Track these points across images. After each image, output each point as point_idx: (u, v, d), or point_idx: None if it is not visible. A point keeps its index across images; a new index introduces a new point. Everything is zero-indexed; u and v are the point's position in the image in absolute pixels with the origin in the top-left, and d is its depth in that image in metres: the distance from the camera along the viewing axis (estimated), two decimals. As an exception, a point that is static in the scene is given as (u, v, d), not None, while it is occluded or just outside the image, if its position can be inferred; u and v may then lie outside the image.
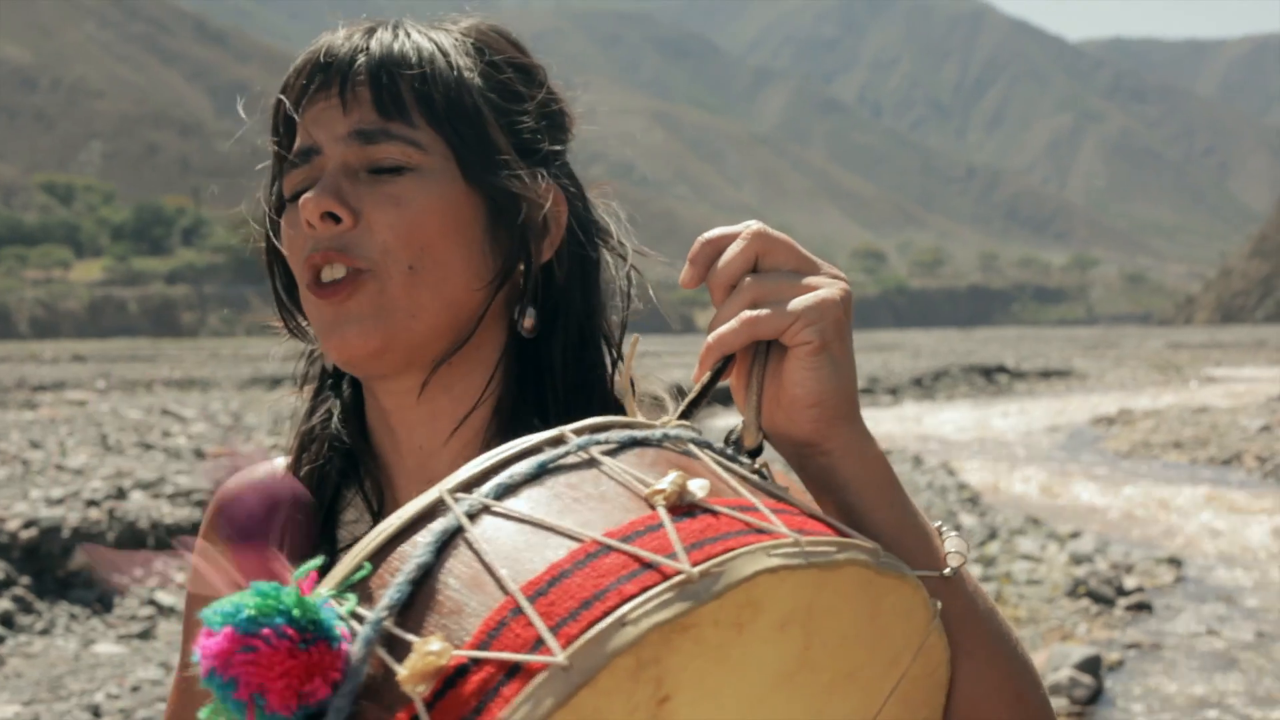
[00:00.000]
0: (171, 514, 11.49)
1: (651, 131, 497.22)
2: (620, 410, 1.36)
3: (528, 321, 1.35)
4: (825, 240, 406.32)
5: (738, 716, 0.83)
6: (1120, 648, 9.70)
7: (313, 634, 0.80)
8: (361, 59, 1.31)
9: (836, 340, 1.05)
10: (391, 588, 0.82)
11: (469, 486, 0.88)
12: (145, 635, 9.80)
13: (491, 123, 1.34)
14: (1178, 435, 24.75)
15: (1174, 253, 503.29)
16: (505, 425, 1.35)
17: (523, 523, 0.84)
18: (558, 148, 1.40)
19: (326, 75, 1.32)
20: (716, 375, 1.07)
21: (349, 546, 1.39)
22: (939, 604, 0.96)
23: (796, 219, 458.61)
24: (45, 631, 9.62)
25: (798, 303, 1.04)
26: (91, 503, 11.57)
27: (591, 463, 0.90)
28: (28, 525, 10.58)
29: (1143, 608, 10.94)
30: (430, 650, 0.76)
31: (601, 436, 0.93)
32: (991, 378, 45.39)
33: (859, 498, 1.07)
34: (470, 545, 0.83)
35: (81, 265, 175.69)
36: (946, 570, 1.08)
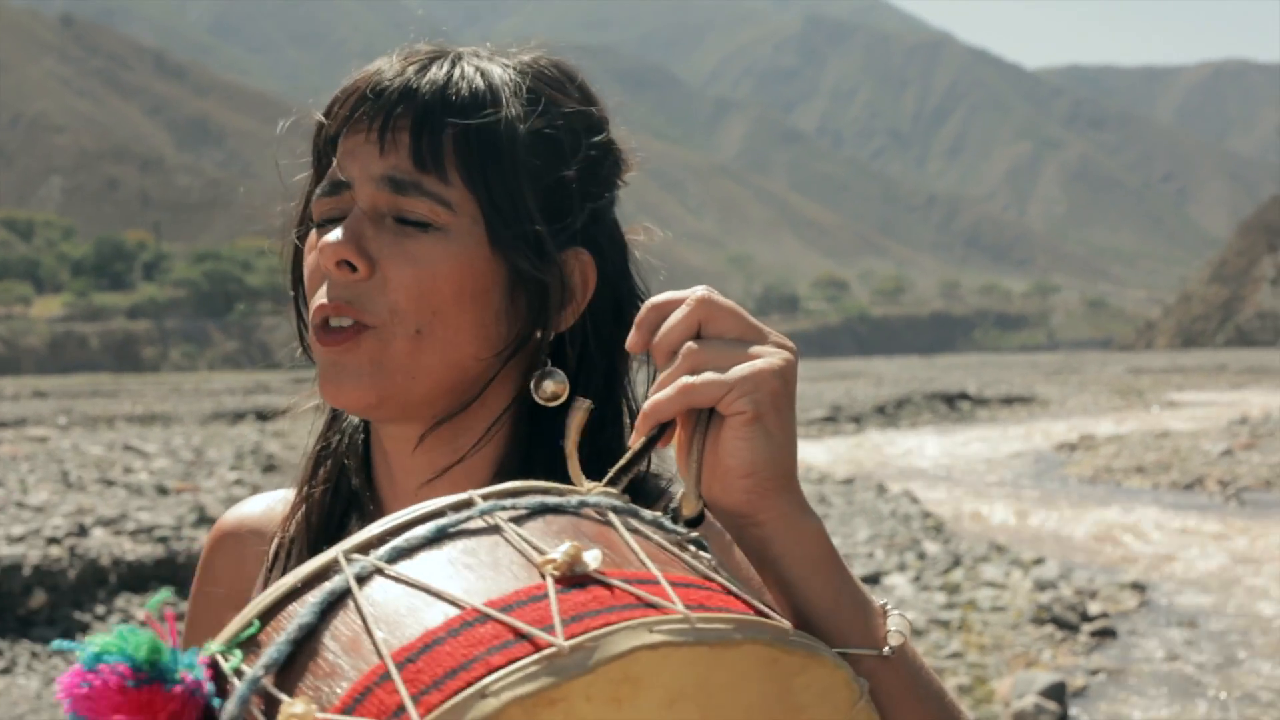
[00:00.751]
0: (134, 550, 11.46)
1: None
2: (646, 481, 1.34)
3: (556, 388, 1.32)
4: (787, 269, 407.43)
5: None
6: (1085, 674, 9.76)
7: (146, 674, 0.80)
8: (408, 99, 1.29)
9: (771, 411, 1.03)
10: (273, 646, 0.82)
11: (366, 548, 0.87)
12: None
13: (529, 186, 1.30)
14: (1140, 460, 24.93)
15: (1134, 278, 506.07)
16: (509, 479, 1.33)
17: (410, 586, 0.83)
18: (601, 202, 1.37)
19: (371, 109, 1.30)
20: (651, 442, 1.06)
21: None
22: (865, 683, 0.93)
23: (758, 248, 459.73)
24: (7, 670, 9.59)
25: (734, 371, 1.03)
26: (53, 540, 11.53)
27: (494, 529, 0.89)
28: None
29: (1107, 633, 11.05)
30: (294, 712, 0.76)
31: (509, 502, 0.92)
32: (954, 405, 45.54)
33: (793, 571, 1.05)
34: (356, 608, 0.82)
35: (42, 301, 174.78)
36: (885, 650, 1.05)
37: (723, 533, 1.13)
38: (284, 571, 1.40)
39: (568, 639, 0.77)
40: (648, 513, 0.97)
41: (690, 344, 1.05)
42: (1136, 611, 11.97)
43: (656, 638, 0.78)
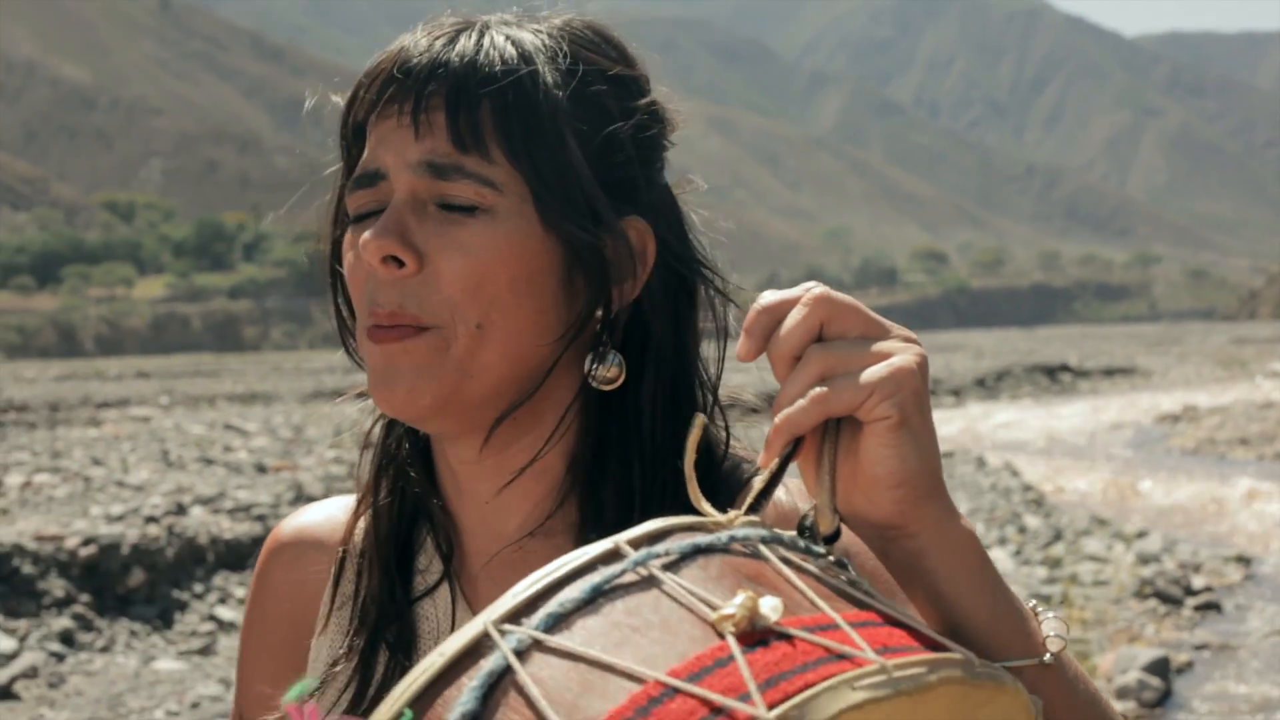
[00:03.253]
0: (231, 529, 11.53)
1: (708, 137, 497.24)
2: (720, 467, 1.28)
3: (608, 372, 1.24)
4: (884, 242, 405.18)
5: None
6: (1189, 649, 9.58)
7: None
8: (439, 77, 1.20)
9: (917, 413, 0.96)
10: None
11: (516, 617, 0.81)
12: (205, 651, 9.83)
13: (576, 155, 1.21)
14: (1244, 431, 24.54)
15: (1236, 247, 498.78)
16: (584, 482, 1.26)
17: (577, 660, 0.77)
18: (652, 167, 1.28)
19: (400, 91, 1.21)
20: (787, 460, 0.98)
21: (422, 597, 1.32)
22: (1040, 701, 0.89)
23: (855, 221, 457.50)
24: (105, 649, 9.66)
25: (871, 374, 0.95)
26: (151, 519, 11.61)
27: (650, 581, 0.82)
28: (87, 542, 10.60)
29: (1211, 607, 10.83)
30: None
31: (661, 548, 0.84)
32: (1055, 377, 45.05)
33: (949, 584, 0.99)
34: (520, 690, 0.76)
35: (144, 282, 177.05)
36: (1046, 657, 1.00)
37: (858, 545, 1.06)
38: (355, 587, 1.34)
39: (769, 708, 0.71)
40: (789, 536, 0.92)
41: (815, 347, 0.97)
42: (1241, 585, 11.74)
43: (860, 696, 0.73)
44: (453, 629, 1.25)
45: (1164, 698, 8.40)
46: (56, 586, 10.16)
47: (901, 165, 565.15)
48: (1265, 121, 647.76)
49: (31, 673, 9.01)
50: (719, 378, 1.31)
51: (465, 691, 0.76)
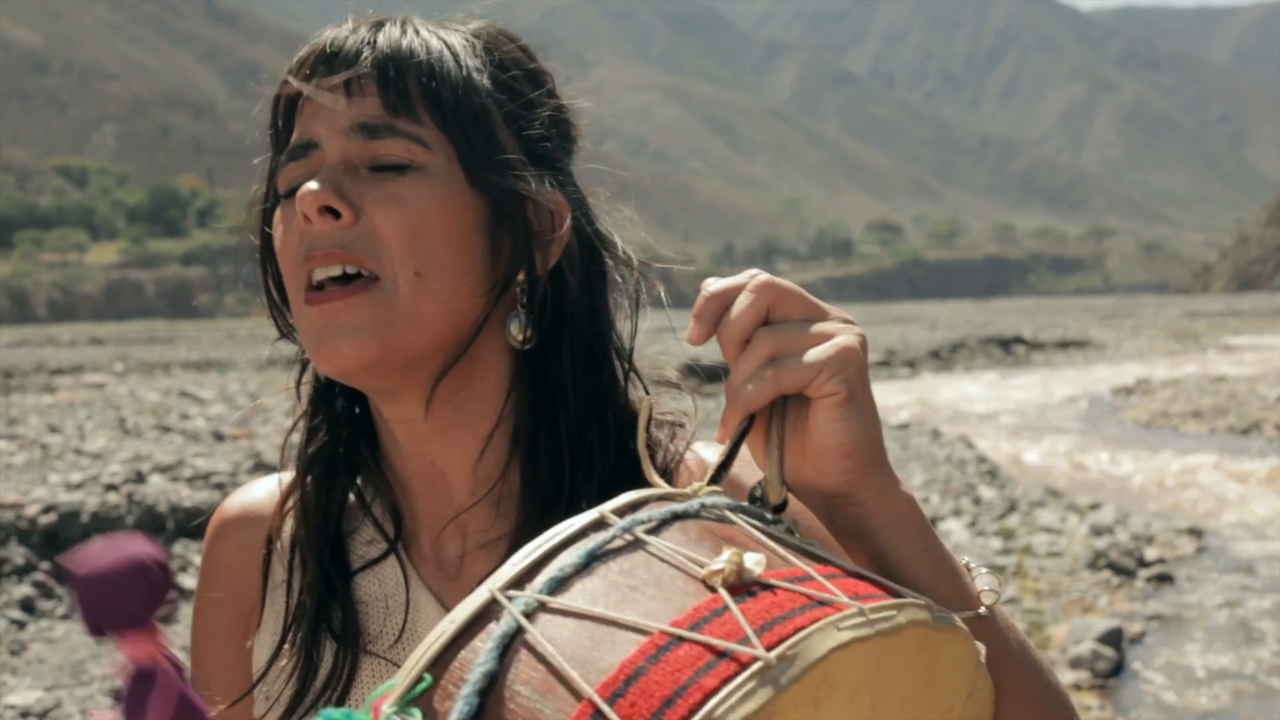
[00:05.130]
0: (190, 497, 11.52)
1: (664, 107, 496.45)
2: (631, 428, 1.32)
3: (519, 332, 1.30)
4: (840, 212, 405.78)
5: None
6: (1142, 619, 9.69)
7: None
8: (368, 52, 1.26)
9: (861, 388, 1.02)
10: (459, 700, 0.78)
11: (520, 583, 0.84)
12: (165, 620, 9.81)
13: (499, 124, 1.28)
14: (1197, 404, 24.74)
15: (1190, 221, 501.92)
16: (523, 444, 1.31)
17: (583, 618, 0.80)
18: (566, 158, 1.35)
19: (331, 67, 1.27)
20: (742, 435, 1.03)
21: (364, 569, 1.36)
22: (983, 647, 0.94)
23: (811, 192, 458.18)
24: (66, 616, 9.62)
25: (818, 353, 1.00)
26: (110, 487, 11.62)
27: (638, 544, 0.86)
28: (47, 510, 10.61)
29: (1164, 579, 10.94)
30: None
31: (642, 515, 0.89)
32: (1009, 349, 45.26)
33: (892, 544, 1.04)
34: (533, 648, 0.79)
35: (97, 248, 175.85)
36: (982, 609, 1.06)
37: (803, 513, 1.12)
38: (288, 577, 1.37)
39: (767, 650, 0.76)
40: (750, 507, 0.96)
41: (763, 330, 1.02)
42: (1194, 557, 11.85)
43: (846, 635, 0.78)
44: (407, 599, 1.32)
45: (1117, 668, 8.49)
46: (16, 554, 10.15)
47: (857, 136, 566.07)
48: (1219, 96, 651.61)
49: (-9, 638, 8.98)
50: (634, 340, 1.36)
51: (482, 653, 0.79)
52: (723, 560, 0.82)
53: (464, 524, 1.33)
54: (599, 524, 0.88)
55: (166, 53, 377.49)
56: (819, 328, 1.02)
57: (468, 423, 1.31)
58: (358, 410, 1.39)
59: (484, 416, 1.32)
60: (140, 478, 12.17)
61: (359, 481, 1.39)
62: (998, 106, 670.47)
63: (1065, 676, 8.14)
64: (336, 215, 1.23)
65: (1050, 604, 10.08)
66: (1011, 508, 13.78)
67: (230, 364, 38.05)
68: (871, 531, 1.04)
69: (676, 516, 0.90)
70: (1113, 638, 8.72)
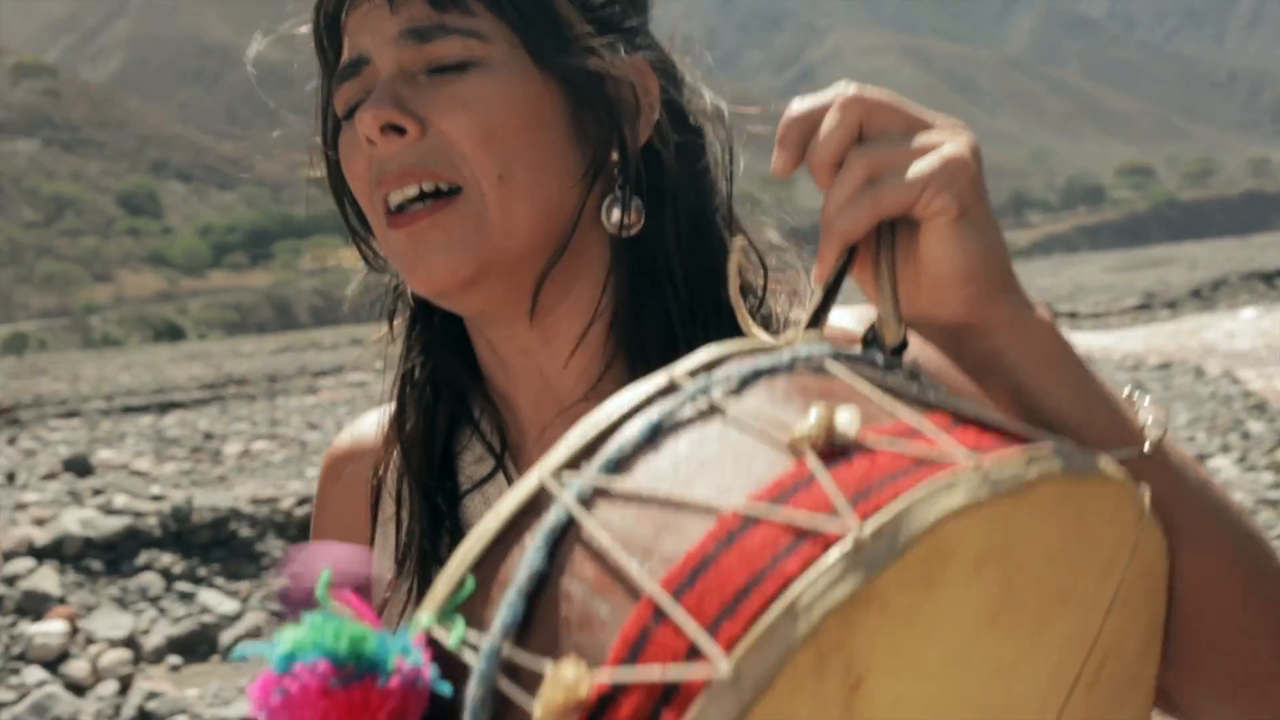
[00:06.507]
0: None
1: (901, 67, 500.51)
2: (760, 303, 1.21)
3: (631, 215, 1.18)
4: (1089, 160, 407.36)
5: (943, 678, 0.69)
6: None
7: (353, 669, 0.68)
8: None
9: (976, 202, 0.88)
10: (503, 606, 0.68)
11: (574, 464, 0.73)
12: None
13: None
14: None
15: None
16: (626, 336, 1.19)
17: (646, 502, 0.70)
18: (642, 15, 1.22)
19: None
20: (843, 270, 0.90)
21: (472, 490, 1.25)
22: (1147, 489, 0.81)
23: (1058, 142, 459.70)
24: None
25: (922, 167, 0.87)
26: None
27: (713, 411, 0.74)
28: (301, 502, 10.70)
29: None
30: (566, 680, 0.63)
31: (720, 375, 0.77)
32: (1273, 282, 43.08)
33: (1032, 379, 0.92)
34: (588, 540, 0.69)
35: (351, 252, 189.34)
36: (1146, 446, 0.93)
37: (930, 355, 0.98)
38: (396, 510, 1.29)
39: (862, 523, 0.64)
40: (855, 351, 0.84)
41: (857, 149, 0.89)
42: None
43: (958, 500, 0.66)
44: None
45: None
46: (274, 547, 10.26)
47: (1100, 81, 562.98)
48: None
49: (255, 633, 9.10)
50: (730, 207, 1.26)
51: (529, 550, 0.70)
52: (809, 421, 0.71)
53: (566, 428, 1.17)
54: (668, 389, 0.77)
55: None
56: (921, 140, 0.89)
57: (575, 326, 1.20)
58: (456, 332, 1.28)
59: (586, 309, 1.21)
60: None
61: (464, 404, 1.28)
62: (1244, 38, 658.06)
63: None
64: (401, 131, 1.13)
65: (1327, 538, 9.56)
66: (1281, 440, 13.10)
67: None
68: (1007, 366, 0.92)
69: (761, 374, 0.78)
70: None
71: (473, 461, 1.29)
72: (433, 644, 0.70)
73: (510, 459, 1.27)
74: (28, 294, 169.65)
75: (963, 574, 0.67)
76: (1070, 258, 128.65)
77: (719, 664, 0.60)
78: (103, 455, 16.86)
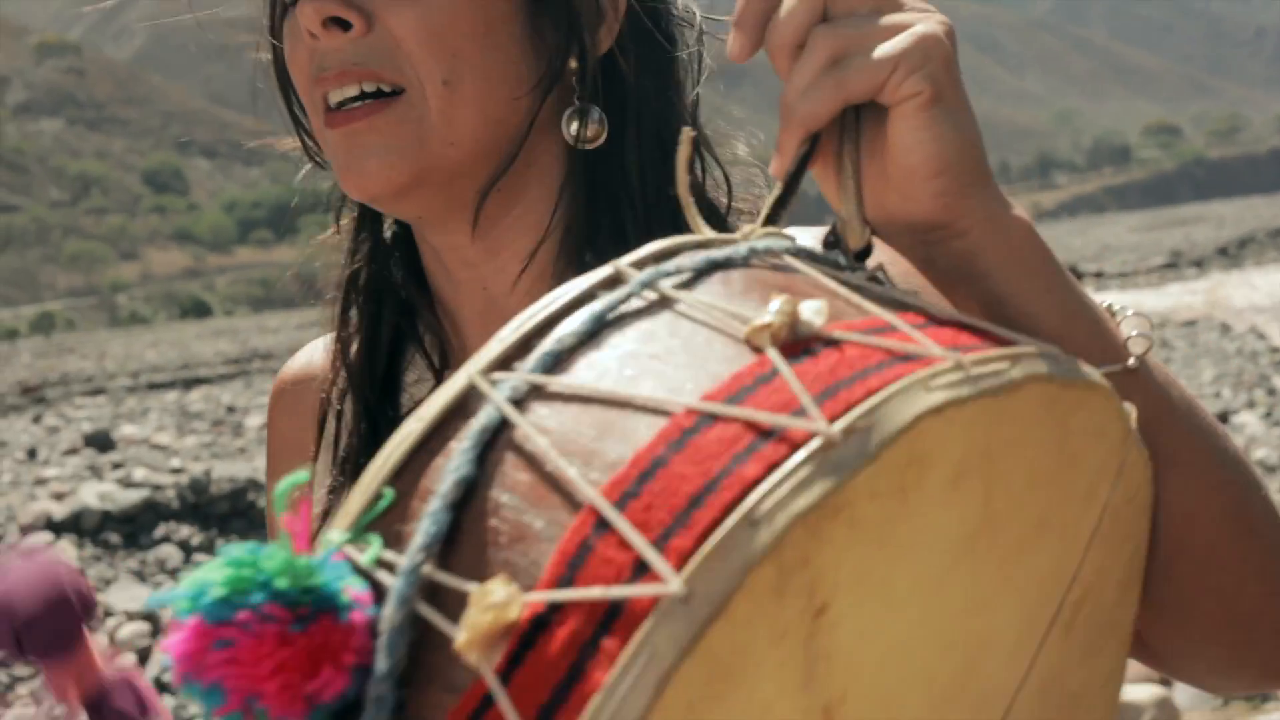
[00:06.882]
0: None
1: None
2: (713, 219, 1.11)
3: (590, 128, 1.09)
4: (1115, 120, 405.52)
5: (914, 610, 0.62)
6: None
7: (310, 607, 0.58)
8: None
9: (949, 85, 0.80)
10: (424, 519, 0.60)
11: (507, 362, 0.65)
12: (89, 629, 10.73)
13: None
14: None
15: None
16: (578, 256, 1.11)
17: (587, 401, 0.62)
18: None
19: None
20: (804, 161, 0.81)
21: (413, 409, 1.11)
22: (1134, 409, 0.74)
23: (1083, 102, 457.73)
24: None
25: (891, 47, 0.79)
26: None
27: (664, 303, 0.67)
28: None
29: None
30: (493, 601, 0.55)
31: (670, 265, 0.69)
32: None
33: (1010, 285, 0.83)
34: (522, 444, 0.61)
35: (293, 142, 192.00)
36: (1131, 360, 0.86)
37: (894, 261, 0.87)
38: (336, 431, 1.21)
39: (830, 422, 0.57)
40: (821, 253, 0.77)
41: (820, 28, 0.81)
42: None
43: (938, 397, 0.59)
44: None
45: None
46: None
47: (1126, 40, 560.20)
48: None
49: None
50: (696, 110, 1.18)
51: (455, 455, 0.61)
52: (771, 311, 0.64)
53: None
54: (613, 281, 0.69)
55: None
56: (891, 18, 0.81)
57: (522, 241, 1.12)
58: (405, 236, 1.21)
59: (535, 224, 1.12)
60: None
61: (410, 316, 1.21)
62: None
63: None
64: (346, 26, 1.05)
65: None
66: (1307, 395, 12.93)
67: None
68: (981, 271, 0.84)
69: (716, 265, 0.70)
70: None
71: (413, 382, 1.23)
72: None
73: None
74: (55, 273, 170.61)
75: (940, 487, 0.60)
76: (1097, 218, 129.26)
77: (669, 581, 0.53)
78: (125, 430, 17.00)
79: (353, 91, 1.07)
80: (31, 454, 15.58)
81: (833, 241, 0.81)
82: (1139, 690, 5.28)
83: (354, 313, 1.23)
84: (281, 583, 0.57)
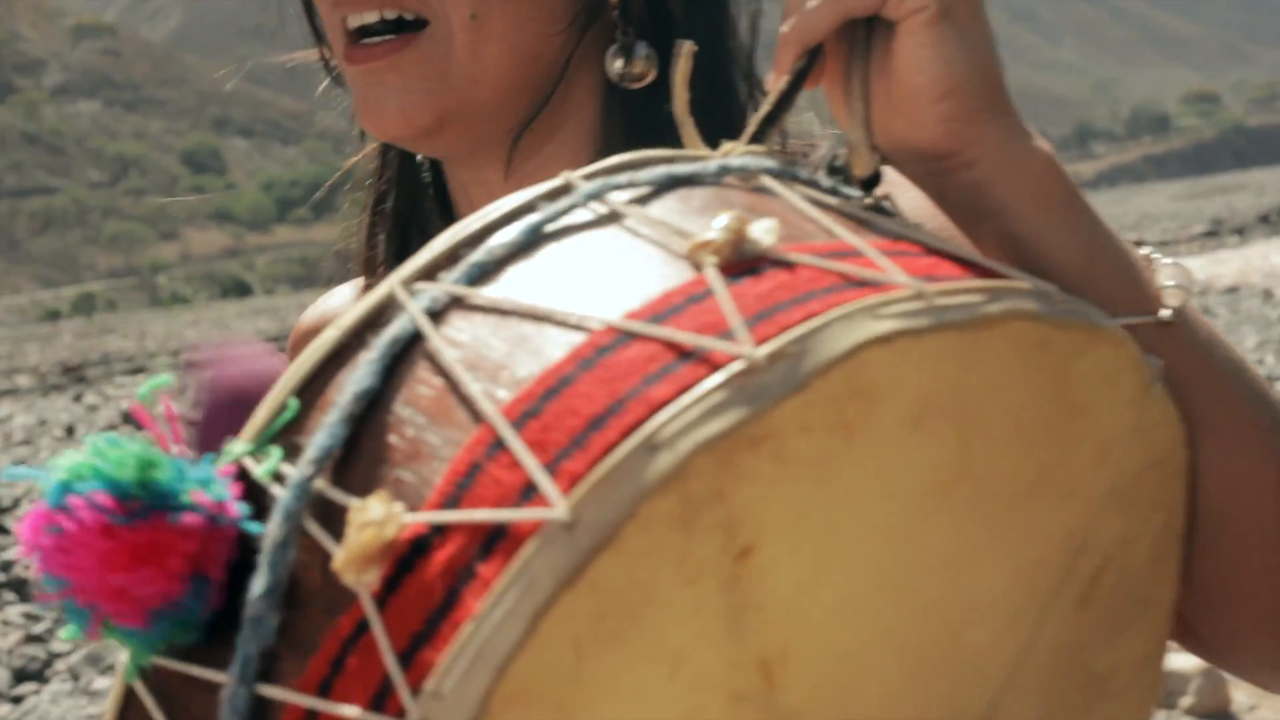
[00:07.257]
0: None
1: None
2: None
3: (637, 65, 1.01)
4: (1153, 88, 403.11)
5: (875, 562, 0.57)
6: None
7: (141, 502, 0.54)
8: None
9: (961, 1, 0.74)
10: (320, 431, 0.56)
11: (433, 272, 0.61)
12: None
13: None
14: None
15: None
16: None
17: (506, 314, 0.57)
18: None
19: None
20: (800, 77, 0.76)
21: None
22: (1160, 362, 0.66)
23: (1121, 71, 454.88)
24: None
25: None
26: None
27: (611, 218, 0.62)
28: None
29: None
30: (370, 518, 0.51)
31: (623, 178, 0.64)
32: None
33: (1025, 221, 0.75)
34: (433, 357, 0.57)
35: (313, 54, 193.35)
36: (1164, 312, 0.76)
37: (912, 199, 0.82)
38: None
39: (758, 345, 0.52)
40: (813, 177, 0.71)
41: None
42: None
43: (887, 325, 0.53)
44: None
45: None
46: None
47: (1164, 7, 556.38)
48: None
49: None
50: (752, 55, 1.08)
51: (361, 366, 0.58)
52: (715, 227, 0.58)
53: None
54: (561, 191, 0.64)
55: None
56: None
57: (552, 174, 0.98)
58: (432, 163, 1.14)
59: (569, 165, 0.99)
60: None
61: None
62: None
63: None
64: None
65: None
66: (1352, 362, 12.75)
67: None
68: (994, 207, 0.76)
69: (678, 180, 0.65)
70: None
71: None
72: (244, 477, 0.58)
73: None
74: (95, 254, 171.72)
75: (896, 426, 0.55)
76: (1137, 188, 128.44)
77: (556, 506, 0.49)
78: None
79: (373, 18, 0.99)
80: (69, 431, 15.66)
81: (838, 167, 0.76)
82: (1184, 660, 5.20)
83: (381, 239, 1.18)
84: (119, 473, 0.54)
